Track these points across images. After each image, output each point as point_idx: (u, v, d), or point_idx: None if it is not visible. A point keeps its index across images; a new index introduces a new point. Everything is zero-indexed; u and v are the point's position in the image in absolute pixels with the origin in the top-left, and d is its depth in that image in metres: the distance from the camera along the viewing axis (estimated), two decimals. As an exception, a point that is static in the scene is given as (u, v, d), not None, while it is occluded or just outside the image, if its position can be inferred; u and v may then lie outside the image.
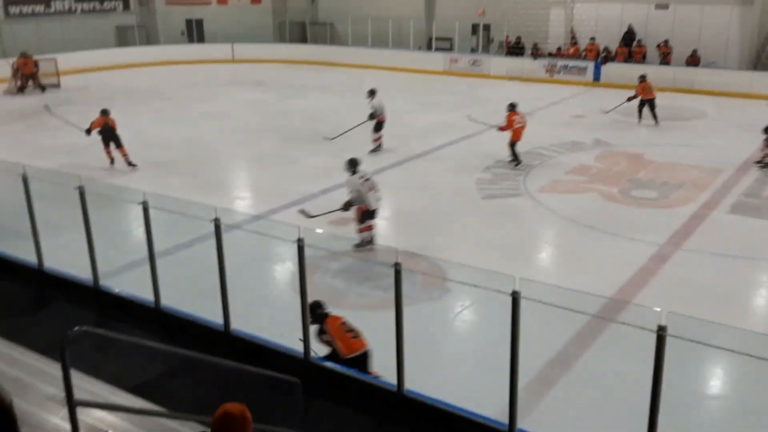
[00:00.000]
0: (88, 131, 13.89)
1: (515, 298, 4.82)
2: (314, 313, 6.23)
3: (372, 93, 14.94)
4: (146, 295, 7.18)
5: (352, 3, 30.27)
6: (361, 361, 6.17)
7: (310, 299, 6.15)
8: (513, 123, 13.64)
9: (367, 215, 9.87)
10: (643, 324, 4.46)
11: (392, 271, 5.39)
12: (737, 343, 4.52)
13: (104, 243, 7.89)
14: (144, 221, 6.83)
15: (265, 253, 9.55)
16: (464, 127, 16.87)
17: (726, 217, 11.34)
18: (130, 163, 13.93)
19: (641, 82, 17.26)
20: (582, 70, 23.99)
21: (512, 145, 13.78)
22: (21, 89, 22.50)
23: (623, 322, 5.06)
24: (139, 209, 6.80)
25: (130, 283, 7.82)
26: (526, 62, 24.95)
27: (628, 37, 24.26)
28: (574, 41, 25.33)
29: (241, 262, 8.31)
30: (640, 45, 23.87)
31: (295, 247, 5.87)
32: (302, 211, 10.20)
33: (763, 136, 13.75)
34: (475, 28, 27.48)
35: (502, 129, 13.85)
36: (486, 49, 27.26)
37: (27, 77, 22.66)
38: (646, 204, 11.95)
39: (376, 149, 14.95)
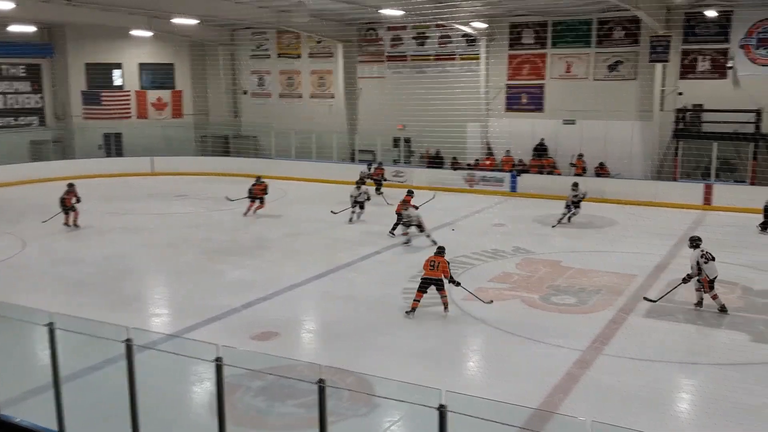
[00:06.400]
0: None
1: (442, 412, 4.73)
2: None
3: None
4: (50, 423, 6.66)
5: (275, 117, 30.87)
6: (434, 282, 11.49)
7: (228, 421, 5.83)
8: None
9: (711, 284, 11.69)
10: (571, 435, 4.42)
11: (316, 388, 5.21)
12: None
13: (6, 368, 7.38)
14: (50, 344, 6.44)
15: (181, 374, 9.08)
16: (390, 237, 17.08)
17: (642, 321, 11.64)
18: None
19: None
20: (499, 181, 24.92)
21: None
22: None
23: (551, 433, 5.04)
24: (45, 331, 6.42)
25: (33, 411, 7.26)
26: (447, 173, 25.77)
27: (541, 148, 25.52)
28: (490, 153, 26.44)
29: (156, 384, 7.89)
30: (547, 157, 25.18)
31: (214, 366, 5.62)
32: (646, 298, 12.36)
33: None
34: (396, 141, 28.37)
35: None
36: (408, 161, 28.09)
37: None
38: (566, 310, 12.17)
39: None
